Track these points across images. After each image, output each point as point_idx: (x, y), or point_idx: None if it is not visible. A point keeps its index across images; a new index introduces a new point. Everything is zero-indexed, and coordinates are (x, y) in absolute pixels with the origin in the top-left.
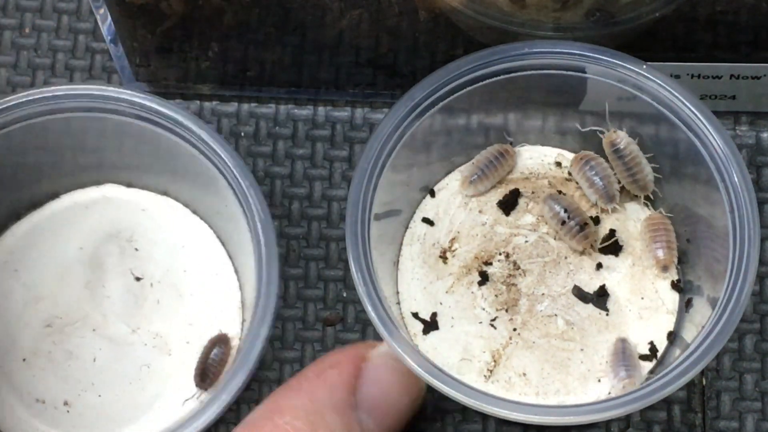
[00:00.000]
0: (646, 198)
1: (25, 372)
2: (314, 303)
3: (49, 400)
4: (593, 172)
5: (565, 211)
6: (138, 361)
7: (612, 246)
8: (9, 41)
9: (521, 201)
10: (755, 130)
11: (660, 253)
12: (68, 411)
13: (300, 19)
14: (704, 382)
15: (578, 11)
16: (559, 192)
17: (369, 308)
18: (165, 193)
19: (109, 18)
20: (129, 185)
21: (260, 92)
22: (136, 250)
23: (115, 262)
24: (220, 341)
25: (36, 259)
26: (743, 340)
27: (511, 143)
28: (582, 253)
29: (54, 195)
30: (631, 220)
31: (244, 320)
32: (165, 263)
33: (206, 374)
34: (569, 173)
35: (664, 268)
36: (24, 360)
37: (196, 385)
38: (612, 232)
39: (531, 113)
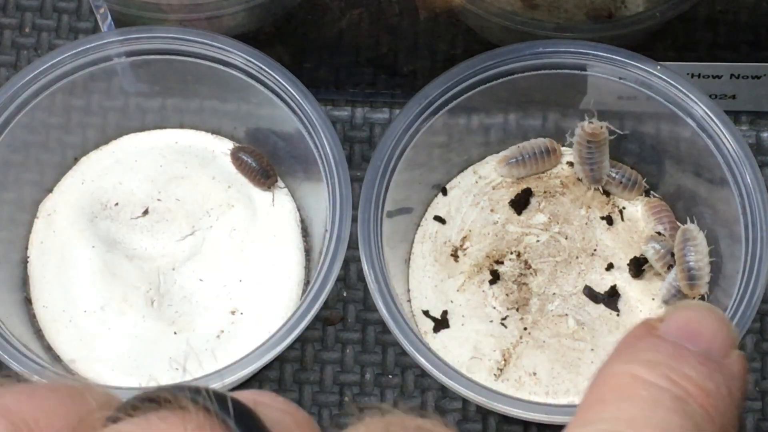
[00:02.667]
0: (646, 193)
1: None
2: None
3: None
4: (589, 153)
5: (672, 255)
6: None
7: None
8: (9, 41)
9: (533, 200)
10: (755, 130)
11: (666, 234)
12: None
13: (300, 18)
14: None
15: (582, 12)
16: (563, 192)
17: (381, 305)
18: (231, 137)
19: (109, 18)
20: (197, 129)
21: None
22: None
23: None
24: (238, 151)
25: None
26: (743, 339)
27: (562, 145)
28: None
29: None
30: (642, 221)
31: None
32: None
33: (266, 171)
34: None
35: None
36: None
37: (267, 188)
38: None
39: (542, 113)
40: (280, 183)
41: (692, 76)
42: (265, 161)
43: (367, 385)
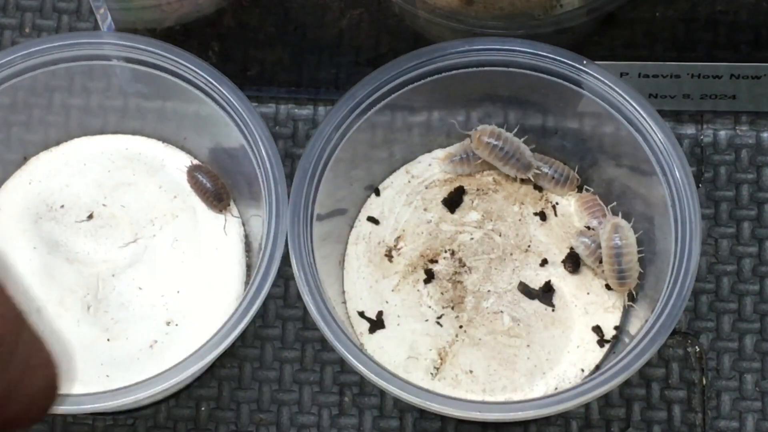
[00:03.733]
0: (578, 188)
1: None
2: None
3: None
4: (503, 150)
5: (599, 247)
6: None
7: (574, 263)
8: (9, 41)
9: (466, 198)
10: (755, 130)
11: (600, 224)
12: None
13: (300, 18)
14: (704, 382)
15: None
16: (495, 189)
17: (312, 309)
18: (182, 147)
19: (109, 18)
20: (148, 136)
21: (260, 92)
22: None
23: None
24: (195, 170)
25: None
26: (743, 339)
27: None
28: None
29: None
30: (575, 216)
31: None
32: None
33: (219, 194)
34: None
35: None
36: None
37: (219, 211)
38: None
39: (468, 109)
40: (233, 209)
41: (692, 76)
42: (220, 183)
43: (367, 385)
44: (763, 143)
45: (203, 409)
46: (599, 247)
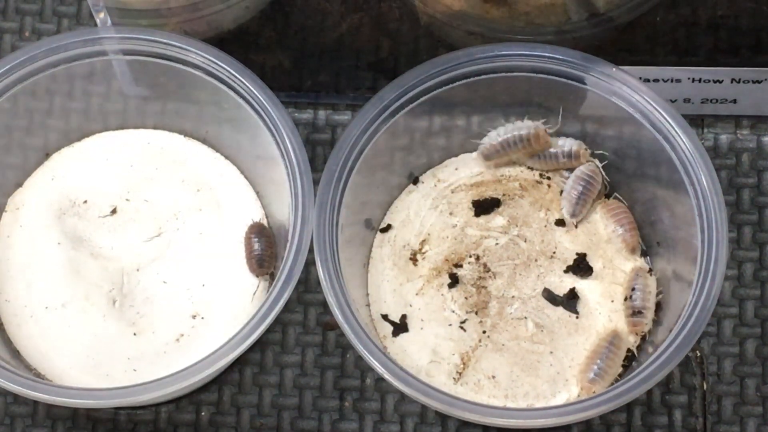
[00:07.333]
0: (606, 196)
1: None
2: (315, 307)
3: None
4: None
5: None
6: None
7: (583, 268)
8: (9, 44)
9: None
10: (756, 134)
11: (627, 236)
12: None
13: (300, 23)
14: (705, 387)
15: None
16: (522, 195)
17: (336, 311)
18: (203, 140)
19: (109, 21)
20: (170, 130)
21: None
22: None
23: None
24: (256, 231)
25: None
26: (744, 344)
27: (547, 130)
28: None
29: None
30: (601, 223)
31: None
32: (194, 204)
33: (262, 260)
34: (542, 175)
35: (633, 250)
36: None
37: (255, 275)
38: (582, 256)
39: (500, 115)
40: (265, 279)
41: (693, 80)
42: (270, 252)
43: (368, 390)
44: (764, 147)
45: (203, 414)
46: (578, 179)
